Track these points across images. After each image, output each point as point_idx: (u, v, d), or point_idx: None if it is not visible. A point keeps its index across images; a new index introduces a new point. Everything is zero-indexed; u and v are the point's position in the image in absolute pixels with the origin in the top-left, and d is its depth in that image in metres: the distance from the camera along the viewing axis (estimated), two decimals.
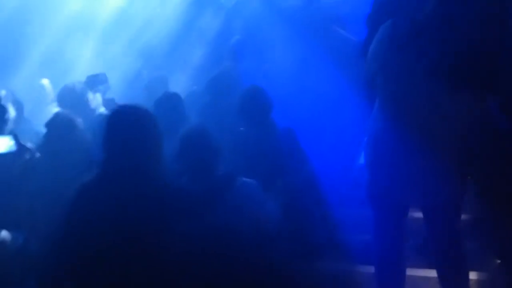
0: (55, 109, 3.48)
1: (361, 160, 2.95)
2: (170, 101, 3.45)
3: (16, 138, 3.11)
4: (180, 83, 4.29)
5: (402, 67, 2.42)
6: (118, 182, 2.12)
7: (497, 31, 2.32)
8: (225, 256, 2.16)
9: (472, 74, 2.34)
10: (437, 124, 2.46)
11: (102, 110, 3.80)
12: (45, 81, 4.31)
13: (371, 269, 2.90)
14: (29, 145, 3.15)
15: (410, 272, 2.96)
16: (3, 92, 3.57)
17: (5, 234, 2.91)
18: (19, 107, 3.58)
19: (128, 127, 2.18)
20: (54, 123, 3.05)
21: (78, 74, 3.85)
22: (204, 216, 2.23)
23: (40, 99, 4.20)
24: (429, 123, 2.46)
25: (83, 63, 4.40)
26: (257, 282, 2.21)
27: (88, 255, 2.07)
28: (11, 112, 3.20)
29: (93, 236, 2.06)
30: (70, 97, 3.42)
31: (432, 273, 2.93)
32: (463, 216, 3.73)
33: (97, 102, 3.78)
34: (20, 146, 3.09)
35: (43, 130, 3.13)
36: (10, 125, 3.14)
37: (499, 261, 3.47)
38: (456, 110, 2.43)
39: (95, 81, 3.62)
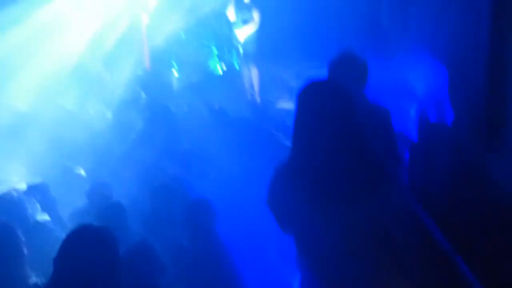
0: None
1: None
2: (113, 212, 3.38)
3: None
4: (124, 190, 4.24)
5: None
6: None
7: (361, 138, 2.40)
8: None
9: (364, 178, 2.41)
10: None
11: (40, 218, 3.67)
12: None
13: None
14: None
15: None
16: None
17: None
18: None
19: (86, 250, 2.13)
20: None
21: None
22: None
23: None
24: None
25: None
26: None
27: None
28: None
29: None
30: (8, 207, 3.30)
31: None
32: None
33: (35, 212, 3.65)
34: None
35: None
36: None
37: None
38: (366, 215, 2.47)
39: (35, 191, 3.53)
